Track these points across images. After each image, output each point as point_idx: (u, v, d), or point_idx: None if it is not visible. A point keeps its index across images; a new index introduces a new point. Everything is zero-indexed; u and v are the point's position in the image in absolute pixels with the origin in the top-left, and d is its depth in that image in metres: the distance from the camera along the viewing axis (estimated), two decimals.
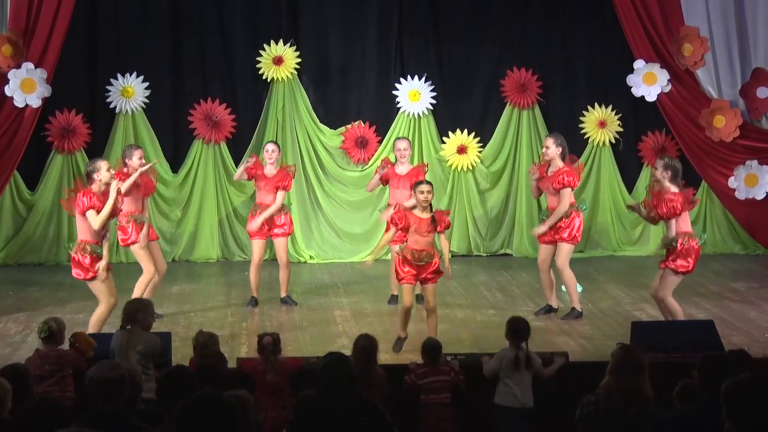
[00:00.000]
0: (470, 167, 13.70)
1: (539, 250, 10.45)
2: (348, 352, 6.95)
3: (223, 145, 13.46)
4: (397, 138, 11.92)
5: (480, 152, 13.71)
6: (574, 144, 12.58)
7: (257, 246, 10.82)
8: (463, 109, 13.78)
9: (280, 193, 10.77)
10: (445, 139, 13.67)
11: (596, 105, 13.73)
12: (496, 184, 13.83)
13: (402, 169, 10.93)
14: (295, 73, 13.47)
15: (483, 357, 7.74)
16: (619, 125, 13.73)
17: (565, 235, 10.11)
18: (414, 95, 13.58)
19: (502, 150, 13.79)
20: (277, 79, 13.40)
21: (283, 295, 10.94)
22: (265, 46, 13.38)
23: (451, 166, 13.66)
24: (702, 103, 13.20)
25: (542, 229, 10.27)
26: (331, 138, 13.67)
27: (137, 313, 7.48)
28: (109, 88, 13.19)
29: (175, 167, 13.46)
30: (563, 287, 10.48)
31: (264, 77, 13.41)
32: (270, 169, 10.85)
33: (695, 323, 9.27)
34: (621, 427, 5.57)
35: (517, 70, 13.63)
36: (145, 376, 7.04)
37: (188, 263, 13.37)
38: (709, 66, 13.23)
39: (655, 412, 5.60)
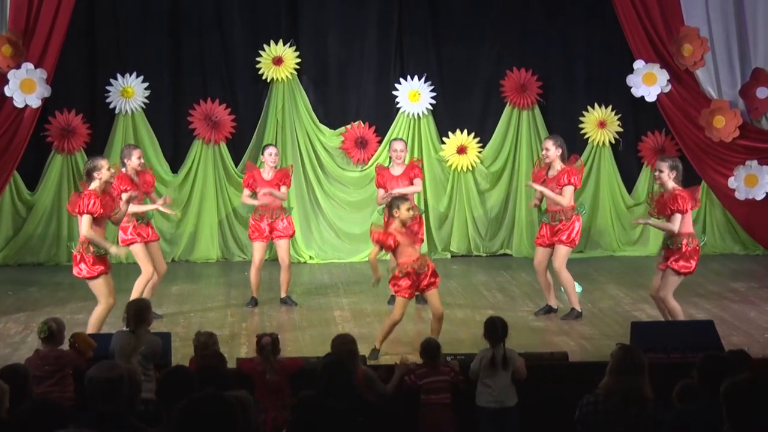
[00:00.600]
0: (470, 167, 13.70)
1: (536, 252, 10.43)
2: None
3: (223, 146, 13.47)
4: (394, 139, 11.87)
5: (480, 152, 13.71)
6: (574, 144, 12.57)
7: (258, 248, 10.83)
8: (463, 109, 13.78)
9: (283, 188, 10.87)
10: (444, 139, 13.67)
11: (596, 105, 13.73)
12: (495, 185, 13.83)
13: (397, 170, 10.94)
14: (295, 73, 13.48)
15: None
16: (618, 125, 13.73)
17: (563, 238, 10.10)
18: (414, 95, 13.57)
19: (501, 150, 13.79)
20: (277, 79, 13.40)
21: (283, 295, 10.94)
22: (264, 46, 13.38)
23: (450, 166, 13.66)
24: (702, 103, 13.20)
25: (539, 186, 10.18)
26: (331, 138, 13.68)
27: (141, 314, 7.46)
28: (108, 88, 13.19)
29: (174, 167, 13.46)
30: (562, 289, 10.47)
31: (264, 77, 13.42)
32: (268, 174, 10.87)
33: (695, 323, 9.26)
34: (620, 428, 5.56)
35: (516, 70, 13.63)
36: (146, 377, 7.05)
37: (188, 263, 13.38)
38: (708, 66, 13.22)
39: (655, 412, 5.60)
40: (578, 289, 10.51)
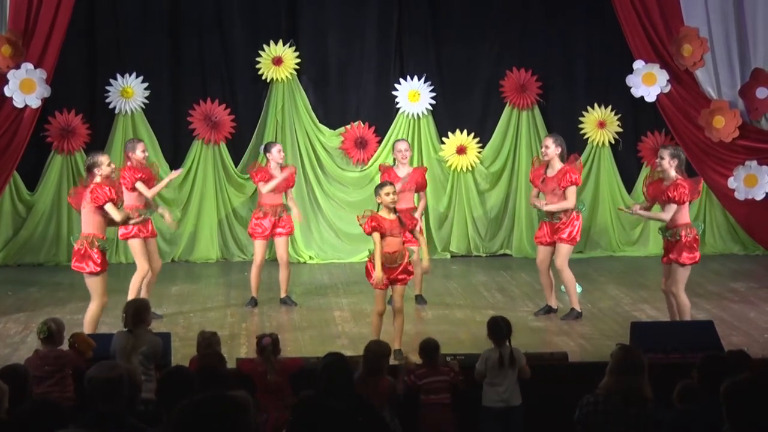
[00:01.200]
0: (470, 168, 13.70)
1: (538, 251, 10.44)
2: (348, 352, 6.96)
3: (223, 146, 13.47)
4: (397, 140, 11.86)
5: (479, 153, 13.71)
6: (574, 144, 12.57)
7: (259, 246, 10.82)
8: (463, 109, 13.78)
9: (290, 191, 10.98)
10: (444, 139, 13.67)
11: (596, 105, 13.73)
12: (495, 185, 13.83)
13: (402, 171, 10.92)
14: (295, 73, 13.47)
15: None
16: (618, 125, 13.74)
17: (564, 236, 10.10)
18: (413, 95, 13.57)
19: (501, 150, 13.79)
20: (277, 79, 13.40)
21: (282, 295, 10.94)
22: (264, 46, 13.38)
23: (450, 166, 13.66)
24: (701, 103, 13.20)
25: (542, 204, 10.20)
26: (331, 138, 13.68)
27: (140, 314, 7.47)
28: (108, 88, 13.19)
29: (174, 167, 13.41)
30: (562, 287, 10.47)
31: (263, 77, 13.41)
32: (276, 171, 10.86)
33: (695, 324, 9.26)
34: (620, 428, 5.56)
35: (516, 70, 13.63)
36: (146, 377, 7.05)
37: (188, 263, 13.37)
38: (708, 66, 13.21)
39: (655, 412, 5.60)
40: (578, 289, 10.51)
